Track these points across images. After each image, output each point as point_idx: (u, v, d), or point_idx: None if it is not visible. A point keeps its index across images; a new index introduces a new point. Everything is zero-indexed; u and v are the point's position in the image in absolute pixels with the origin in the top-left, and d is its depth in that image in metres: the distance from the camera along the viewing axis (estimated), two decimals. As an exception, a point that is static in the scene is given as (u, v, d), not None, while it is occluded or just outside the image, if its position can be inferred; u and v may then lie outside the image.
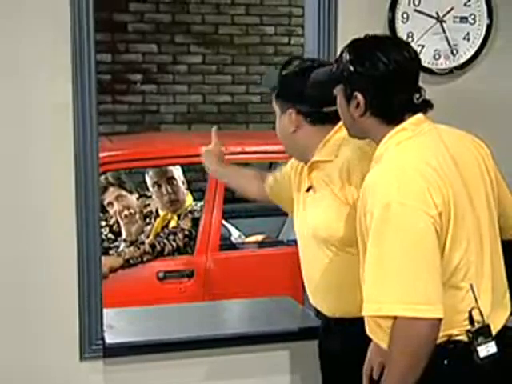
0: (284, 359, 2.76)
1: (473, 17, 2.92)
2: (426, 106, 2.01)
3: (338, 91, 2.05)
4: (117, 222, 4.25)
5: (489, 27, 2.93)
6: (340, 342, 2.31)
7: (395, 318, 1.86)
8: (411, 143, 1.98)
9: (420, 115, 2.01)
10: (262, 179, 2.65)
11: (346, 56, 2.01)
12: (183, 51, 6.69)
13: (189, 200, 4.21)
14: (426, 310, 1.84)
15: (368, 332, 1.98)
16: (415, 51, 2.04)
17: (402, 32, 2.83)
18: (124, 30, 6.53)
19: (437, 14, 2.88)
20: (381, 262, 1.88)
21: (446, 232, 1.91)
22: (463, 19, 2.91)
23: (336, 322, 2.32)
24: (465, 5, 2.90)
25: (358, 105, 2.00)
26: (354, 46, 2.04)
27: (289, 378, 2.78)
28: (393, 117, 1.99)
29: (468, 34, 2.92)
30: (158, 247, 3.91)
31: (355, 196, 2.13)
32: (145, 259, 3.88)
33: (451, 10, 2.89)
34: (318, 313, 2.47)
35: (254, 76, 6.89)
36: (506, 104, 3.01)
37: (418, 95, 1.98)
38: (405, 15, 2.84)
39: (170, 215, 4.16)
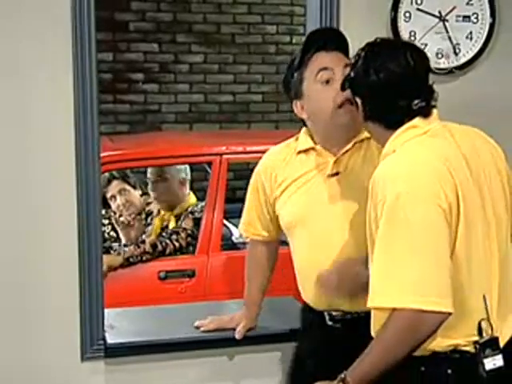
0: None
1: (475, 16, 2.92)
2: (425, 112, 2.00)
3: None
4: (119, 218, 4.23)
5: (491, 26, 2.92)
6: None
7: (393, 310, 1.83)
8: (422, 139, 1.97)
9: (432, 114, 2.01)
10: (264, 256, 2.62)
11: (352, 60, 2.07)
12: (185, 50, 6.70)
13: (191, 200, 4.22)
14: (436, 302, 1.80)
15: (372, 331, 1.97)
16: (421, 56, 2.02)
17: (404, 31, 2.83)
18: (125, 29, 6.54)
19: (439, 12, 2.88)
20: (390, 253, 1.85)
21: (455, 227, 1.89)
22: (466, 18, 2.91)
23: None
24: (467, 4, 2.90)
25: (360, 110, 2.04)
26: (361, 50, 2.06)
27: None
28: (391, 122, 2.00)
29: (471, 33, 2.92)
30: (160, 247, 3.92)
31: None
32: (144, 258, 3.89)
33: (454, 8, 2.89)
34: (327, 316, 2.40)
35: (255, 75, 6.90)
36: (507, 104, 3.01)
37: (416, 101, 1.97)
38: (407, 14, 2.84)
39: (168, 215, 4.16)
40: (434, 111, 2.02)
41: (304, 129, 2.41)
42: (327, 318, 2.35)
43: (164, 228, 4.12)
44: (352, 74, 2.03)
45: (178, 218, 4.12)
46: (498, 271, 1.98)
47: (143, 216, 4.24)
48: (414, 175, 1.88)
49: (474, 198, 1.94)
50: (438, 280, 1.83)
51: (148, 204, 4.29)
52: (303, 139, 2.38)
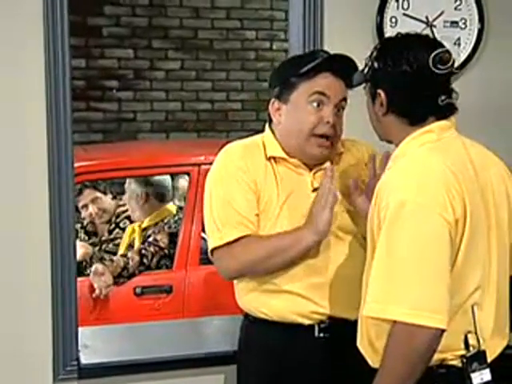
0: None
1: (464, 21, 2.92)
2: (450, 110, 2.00)
3: (366, 91, 2.07)
4: (91, 222, 4.25)
5: (480, 32, 2.93)
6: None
7: (394, 323, 1.83)
8: (435, 147, 1.96)
9: (446, 122, 2.00)
10: None
11: (373, 53, 2.04)
12: (161, 56, 6.66)
13: (168, 210, 4.18)
14: (430, 318, 1.80)
15: (358, 343, 1.96)
16: (445, 55, 2.01)
17: (390, 37, 2.82)
18: (99, 35, 6.48)
19: (426, 18, 2.88)
20: (389, 262, 1.85)
21: (459, 242, 1.88)
22: (454, 24, 2.92)
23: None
24: (455, 9, 2.91)
25: (381, 103, 2.00)
26: (382, 43, 2.08)
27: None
28: (415, 117, 1.98)
29: (459, 39, 2.93)
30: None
31: None
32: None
33: (441, 14, 2.89)
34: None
35: (234, 82, 6.87)
36: (496, 111, 3.01)
37: (443, 97, 1.97)
38: (393, 19, 2.84)
39: (138, 224, 4.13)
40: (453, 119, 2.02)
41: (269, 131, 2.34)
42: (316, 329, 2.29)
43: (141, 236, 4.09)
44: (376, 65, 2.00)
45: (145, 229, 4.09)
46: (496, 286, 1.98)
47: (113, 219, 4.25)
48: (423, 185, 1.87)
49: (480, 213, 1.94)
50: (434, 295, 1.82)
51: (119, 206, 4.29)
52: (272, 145, 2.31)
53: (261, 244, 2.24)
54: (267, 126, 2.37)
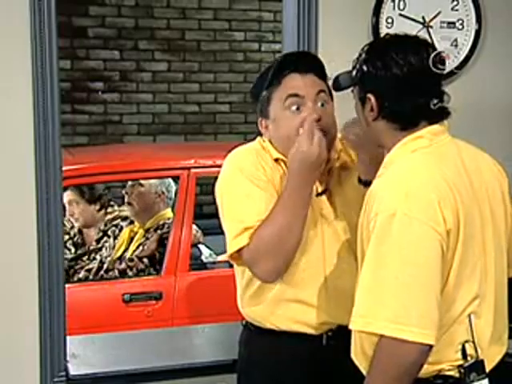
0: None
1: (461, 22, 2.91)
2: (442, 114, 1.96)
3: (355, 94, 2.02)
4: (79, 232, 4.26)
5: (477, 33, 2.92)
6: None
7: (381, 337, 1.80)
8: (427, 152, 1.93)
9: (439, 126, 1.96)
10: None
11: (361, 55, 1.99)
12: (147, 58, 6.66)
13: (166, 215, 4.17)
14: (415, 333, 1.77)
15: (352, 354, 1.94)
16: (444, 55, 1.98)
17: (386, 38, 2.80)
18: (84, 35, 6.48)
19: (423, 18, 2.86)
20: (376, 275, 1.82)
21: (452, 253, 1.86)
22: (451, 24, 2.90)
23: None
24: (452, 9, 2.89)
25: (371, 108, 1.96)
26: (371, 45, 2.02)
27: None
28: (406, 122, 1.94)
29: (456, 40, 2.91)
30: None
31: None
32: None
33: (438, 14, 2.88)
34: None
35: (222, 84, 6.87)
36: (493, 112, 3.01)
37: (435, 101, 1.93)
38: (389, 20, 2.83)
39: (138, 228, 4.13)
40: (445, 122, 1.99)
41: (264, 139, 2.29)
42: (324, 338, 2.24)
43: (131, 240, 4.10)
44: (365, 68, 1.95)
45: (147, 231, 4.10)
46: (494, 293, 1.96)
47: (101, 227, 4.24)
48: (413, 195, 1.83)
49: (474, 220, 1.91)
50: (422, 310, 1.80)
51: (107, 214, 4.28)
52: (273, 148, 2.26)
53: (269, 222, 2.11)
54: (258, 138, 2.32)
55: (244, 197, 2.17)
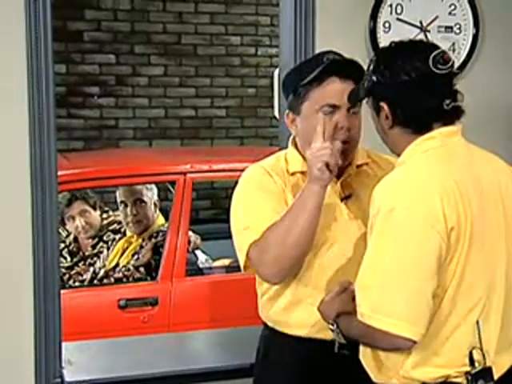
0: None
1: (458, 26, 2.92)
2: (457, 113, 1.98)
3: (369, 105, 2.05)
4: (75, 240, 4.22)
5: (475, 37, 2.92)
6: None
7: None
8: (437, 153, 1.95)
9: (452, 127, 1.98)
10: None
11: (370, 66, 2.02)
12: (143, 62, 6.65)
13: (159, 222, 4.17)
14: (401, 327, 1.81)
15: (360, 356, 1.98)
16: (446, 55, 1.99)
17: (383, 42, 2.81)
18: (79, 40, 6.46)
19: (420, 23, 2.87)
20: (372, 268, 1.87)
21: (455, 252, 1.86)
22: (448, 29, 2.91)
23: None
24: (450, 14, 2.90)
25: (386, 116, 1.99)
26: (377, 54, 2.07)
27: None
28: (420, 125, 1.96)
29: (453, 44, 2.92)
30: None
31: None
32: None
33: (435, 19, 2.89)
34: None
35: (218, 89, 6.86)
36: (491, 115, 3.02)
37: (448, 101, 1.94)
38: (386, 24, 2.83)
39: (134, 237, 4.12)
40: (459, 125, 2.00)
41: (291, 146, 2.33)
42: (336, 345, 2.23)
43: (126, 249, 4.09)
44: (374, 78, 1.99)
45: (143, 240, 4.09)
46: (504, 297, 1.95)
47: (99, 234, 4.22)
48: (415, 192, 1.86)
49: (484, 223, 1.91)
50: (412, 306, 1.83)
51: (103, 220, 4.26)
52: (295, 160, 2.30)
53: (274, 226, 2.15)
54: (291, 139, 2.34)
55: (253, 205, 2.22)
